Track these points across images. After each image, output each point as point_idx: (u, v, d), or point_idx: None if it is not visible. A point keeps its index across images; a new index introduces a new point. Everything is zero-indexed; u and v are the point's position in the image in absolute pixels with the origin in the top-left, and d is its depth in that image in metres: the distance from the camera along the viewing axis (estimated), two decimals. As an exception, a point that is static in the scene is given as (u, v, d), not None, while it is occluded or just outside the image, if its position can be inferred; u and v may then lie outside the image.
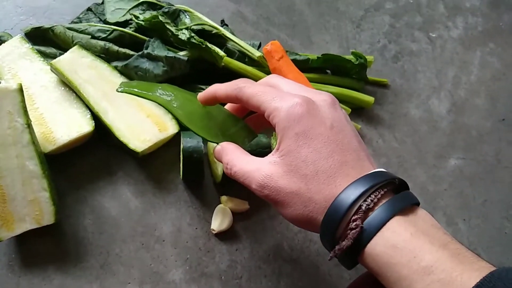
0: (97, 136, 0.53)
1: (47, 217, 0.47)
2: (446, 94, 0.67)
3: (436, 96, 0.66)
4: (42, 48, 0.59)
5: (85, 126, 0.52)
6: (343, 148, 0.35)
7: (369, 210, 0.32)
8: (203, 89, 0.56)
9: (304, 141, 0.34)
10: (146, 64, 0.55)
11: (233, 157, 0.38)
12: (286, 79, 0.40)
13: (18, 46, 0.57)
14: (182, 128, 0.53)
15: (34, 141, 0.46)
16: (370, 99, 0.61)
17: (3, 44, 0.57)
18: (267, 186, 0.35)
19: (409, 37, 0.72)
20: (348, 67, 0.62)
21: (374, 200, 0.32)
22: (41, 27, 0.59)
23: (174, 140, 0.54)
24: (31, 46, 0.57)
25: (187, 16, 0.60)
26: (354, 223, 0.31)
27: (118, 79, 0.55)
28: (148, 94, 0.43)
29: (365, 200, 0.32)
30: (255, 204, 0.52)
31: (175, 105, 0.43)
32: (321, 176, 0.34)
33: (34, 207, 0.46)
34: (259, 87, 0.38)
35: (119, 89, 0.44)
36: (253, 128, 0.43)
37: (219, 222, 0.50)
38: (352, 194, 0.32)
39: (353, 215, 0.32)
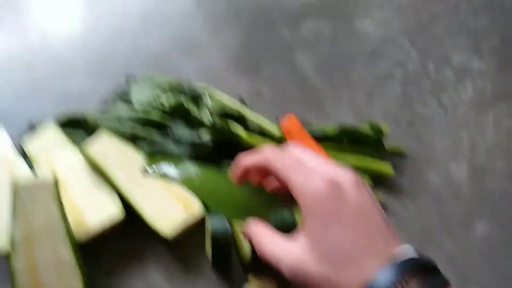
0: (127, 220, 0.54)
1: (80, 306, 0.47)
2: (464, 159, 0.68)
3: (454, 161, 0.67)
4: (74, 134, 0.62)
5: (116, 214, 0.53)
6: (369, 230, 0.35)
7: None
8: (225, 163, 0.59)
9: (330, 224, 0.35)
10: (171, 148, 0.57)
11: (262, 239, 0.39)
12: (309, 152, 0.41)
13: (52, 134, 0.60)
14: (209, 209, 0.54)
15: (68, 231, 0.48)
16: (389, 168, 0.63)
17: (38, 133, 0.60)
18: (297, 272, 0.36)
19: (421, 103, 0.74)
20: (364, 137, 0.64)
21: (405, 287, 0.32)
22: (72, 114, 0.63)
23: (202, 222, 0.55)
24: (63, 133, 0.60)
25: (208, 98, 0.64)
26: None
27: (145, 161, 0.57)
28: (173, 179, 0.44)
29: (395, 287, 0.32)
30: (285, 284, 0.52)
31: (198, 187, 0.44)
32: (349, 260, 0.34)
33: (68, 297, 0.47)
34: (287, 162, 0.39)
35: (145, 174, 0.45)
36: (279, 196, 0.44)
37: (249, 303, 0.50)
38: (382, 283, 0.32)
39: None
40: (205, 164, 0.50)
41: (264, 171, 0.43)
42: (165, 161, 0.47)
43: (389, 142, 0.67)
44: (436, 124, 0.72)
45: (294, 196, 0.37)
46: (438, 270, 0.35)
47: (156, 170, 0.47)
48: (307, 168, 0.38)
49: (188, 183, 0.45)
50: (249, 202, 0.44)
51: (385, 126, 0.65)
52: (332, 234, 0.35)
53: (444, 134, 0.70)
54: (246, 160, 0.42)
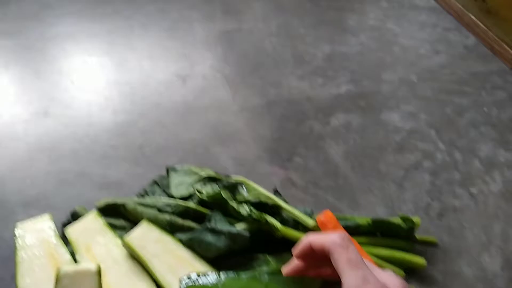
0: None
1: None
2: (497, 250, 0.67)
3: (487, 253, 0.67)
4: (113, 221, 0.64)
5: (152, 302, 0.54)
6: None
7: None
8: (259, 257, 0.60)
9: None
10: (209, 237, 0.59)
11: None
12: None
13: (92, 220, 0.63)
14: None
15: (108, 322, 0.49)
16: (421, 260, 0.62)
17: (79, 220, 0.63)
18: None
19: (451, 194, 0.75)
20: (397, 229, 0.65)
21: None
22: (113, 201, 0.66)
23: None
24: (104, 221, 0.63)
25: (244, 188, 0.66)
26: None
27: (183, 252, 0.59)
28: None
29: None
30: None
31: None
32: None
33: None
34: (351, 255, 0.39)
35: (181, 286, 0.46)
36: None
37: None
38: None
39: None
40: (240, 256, 0.51)
41: (319, 259, 0.43)
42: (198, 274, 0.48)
43: (421, 233, 0.68)
44: (467, 215, 0.72)
45: None
46: None
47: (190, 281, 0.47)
48: (364, 271, 0.38)
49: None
50: None
51: (416, 219, 0.66)
52: None
53: (475, 225, 0.70)
54: (312, 237, 0.42)
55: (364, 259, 0.41)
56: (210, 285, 0.45)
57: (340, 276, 0.39)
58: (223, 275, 0.45)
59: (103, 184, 0.73)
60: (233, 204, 0.61)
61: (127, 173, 0.75)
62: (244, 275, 0.45)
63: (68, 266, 0.51)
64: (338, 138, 0.84)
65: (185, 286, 0.45)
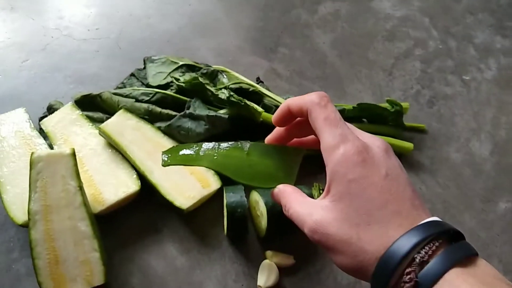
0: (143, 195, 0.54)
1: (98, 278, 0.47)
2: (487, 136, 0.66)
3: (476, 138, 0.65)
4: (91, 114, 0.62)
5: (131, 186, 0.54)
6: (397, 197, 0.34)
7: (423, 262, 0.30)
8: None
9: (357, 189, 0.34)
10: (188, 124, 0.57)
11: (289, 200, 0.38)
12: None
13: (69, 113, 0.61)
14: (225, 183, 0.54)
15: (85, 202, 0.48)
16: (409, 145, 0.61)
17: (55, 112, 0.61)
18: (318, 232, 0.35)
19: (442, 81, 0.72)
20: (384, 115, 0.63)
21: (429, 252, 0.30)
22: (89, 94, 0.63)
23: (216, 196, 0.55)
24: (80, 112, 0.61)
25: (225, 76, 0.63)
26: (408, 276, 0.30)
27: (162, 139, 0.58)
28: (193, 162, 0.44)
29: (419, 252, 0.31)
30: (301, 258, 0.52)
31: (220, 164, 0.43)
32: (373, 226, 0.33)
33: (85, 267, 0.47)
34: (330, 113, 0.37)
35: (163, 164, 0.44)
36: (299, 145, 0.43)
37: (265, 278, 0.50)
38: (404, 246, 0.31)
39: (406, 267, 0.31)
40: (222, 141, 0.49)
41: (300, 127, 0.42)
42: (182, 147, 0.47)
43: (410, 120, 0.66)
44: (458, 102, 0.70)
45: (322, 153, 0.36)
46: (464, 239, 0.33)
47: (174, 159, 0.45)
48: (343, 130, 0.36)
49: (206, 159, 0.44)
50: (268, 174, 0.43)
51: (405, 104, 0.64)
52: (359, 200, 0.34)
53: (466, 112, 0.68)
54: (290, 100, 0.40)
55: (348, 124, 0.39)
56: (191, 155, 0.44)
57: (318, 136, 0.37)
58: (204, 145, 0.44)
59: (78, 78, 0.70)
60: (212, 88, 0.58)
61: (103, 67, 0.72)
62: (224, 144, 0.44)
63: (41, 151, 0.49)
64: (325, 27, 0.80)
65: (166, 158, 0.44)
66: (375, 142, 0.37)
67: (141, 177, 0.54)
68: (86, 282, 0.47)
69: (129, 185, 0.54)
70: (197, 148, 0.44)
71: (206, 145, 0.44)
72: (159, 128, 0.59)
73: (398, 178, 0.35)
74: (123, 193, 0.53)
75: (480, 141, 0.65)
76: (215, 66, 0.65)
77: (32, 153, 0.48)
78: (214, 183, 0.54)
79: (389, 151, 0.37)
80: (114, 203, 0.52)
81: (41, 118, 0.62)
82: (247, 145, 0.43)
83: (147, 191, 0.54)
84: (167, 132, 0.58)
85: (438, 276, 0.30)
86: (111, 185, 0.53)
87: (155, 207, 0.55)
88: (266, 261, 0.51)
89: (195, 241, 0.53)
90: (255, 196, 0.53)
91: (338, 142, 0.35)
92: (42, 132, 0.60)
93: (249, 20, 0.81)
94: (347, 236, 0.33)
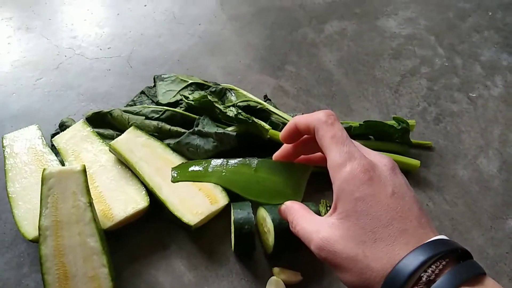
0: (152, 211, 0.55)
1: (106, 293, 0.48)
2: (495, 153, 0.66)
3: (484, 155, 0.65)
4: (101, 131, 0.63)
5: (140, 202, 0.54)
6: (403, 215, 0.34)
7: (430, 281, 0.30)
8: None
9: (364, 207, 0.34)
10: (197, 141, 0.58)
11: (296, 216, 0.39)
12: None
13: (80, 130, 0.62)
14: (232, 199, 0.55)
15: (95, 218, 0.49)
16: (416, 162, 0.61)
17: (67, 129, 0.63)
18: (325, 249, 0.35)
19: (449, 99, 0.73)
20: (390, 132, 0.63)
21: (436, 271, 0.30)
22: (100, 111, 0.64)
23: (224, 212, 0.55)
24: (91, 129, 0.62)
25: (233, 94, 0.64)
26: None
27: (171, 156, 0.58)
28: (202, 178, 0.44)
29: (425, 271, 0.30)
30: (308, 275, 0.52)
31: (228, 180, 0.44)
32: (380, 244, 0.33)
33: (93, 283, 0.48)
34: (336, 131, 0.38)
35: (173, 180, 0.45)
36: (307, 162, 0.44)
37: (272, 294, 0.50)
38: (411, 264, 0.31)
39: (413, 286, 0.31)
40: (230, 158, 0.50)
41: (307, 144, 0.42)
42: (191, 164, 0.47)
43: (416, 138, 0.66)
44: (465, 119, 0.70)
45: (329, 171, 0.37)
46: (472, 258, 0.33)
47: (183, 176, 0.46)
48: (350, 148, 0.37)
49: (215, 175, 0.45)
50: (276, 190, 0.43)
51: (411, 121, 0.64)
52: (365, 218, 0.34)
53: (473, 129, 0.68)
54: (298, 117, 0.41)
55: (355, 142, 0.39)
56: (200, 171, 0.44)
57: (325, 154, 0.37)
58: (212, 161, 0.45)
59: (90, 96, 0.72)
60: (220, 106, 0.59)
61: (114, 85, 0.73)
62: (232, 161, 0.44)
63: (52, 167, 0.50)
64: (332, 46, 0.81)
65: (176, 174, 0.45)
66: (382, 160, 0.37)
67: (150, 193, 0.55)
68: (94, 298, 0.48)
69: (138, 201, 0.54)
70: (205, 165, 0.44)
71: (215, 162, 0.45)
72: (168, 145, 0.60)
73: (405, 196, 0.35)
74: (132, 209, 0.53)
75: (488, 158, 0.65)
76: (223, 84, 0.66)
77: (44, 169, 0.49)
78: (222, 200, 0.55)
79: (395, 169, 0.37)
80: (123, 219, 0.53)
81: (53, 135, 0.64)
82: (254, 161, 0.44)
83: (156, 207, 0.55)
84: (176, 149, 0.59)
85: None
86: (121, 201, 0.54)
87: (163, 223, 0.56)
88: (273, 278, 0.51)
89: (202, 257, 0.54)
90: (262, 212, 0.53)
91: (345, 160, 0.36)
92: (54, 148, 0.62)
93: (257, 39, 0.82)
94: (353, 253, 0.33)
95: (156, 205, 0.54)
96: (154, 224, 0.56)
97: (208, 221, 0.55)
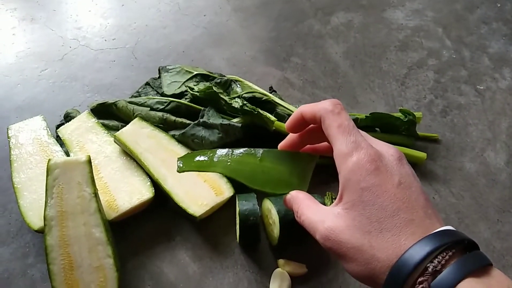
0: (157, 202, 0.55)
1: (111, 284, 0.48)
2: (502, 146, 0.65)
3: (491, 148, 0.65)
4: (106, 122, 0.63)
5: (145, 193, 0.54)
6: (409, 205, 0.34)
7: (436, 271, 0.30)
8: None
9: (370, 197, 0.34)
10: (202, 132, 0.58)
11: (302, 206, 0.39)
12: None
13: (85, 121, 0.62)
14: (238, 191, 0.54)
15: (100, 209, 0.49)
16: (422, 154, 0.61)
17: (72, 120, 0.62)
18: (330, 239, 0.35)
19: (456, 91, 0.72)
20: (397, 124, 0.62)
21: (442, 262, 0.30)
22: (105, 102, 0.64)
23: (229, 204, 0.55)
24: (96, 121, 0.62)
25: (238, 85, 0.64)
26: (421, 285, 0.30)
27: (176, 147, 0.58)
28: (207, 168, 0.44)
29: (432, 261, 0.30)
30: (313, 267, 0.52)
31: (234, 170, 0.44)
32: (386, 234, 0.33)
33: (98, 274, 0.48)
34: (343, 120, 0.37)
35: (179, 169, 0.45)
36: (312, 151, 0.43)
37: (277, 286, 0.49)
38: (417, 254, 0.31)
39: (419, 276, 0.30)
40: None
41: (313, 133, 0.42)
42: (197, 154, 0.47)
43: (423, 130, 0.66)
44: (472, 111, 0.69)
45: (335, 161, 0.36)
46: (479, 249, 0.33)
47: (188, 166, 0.46)
48: (356, 137, 0.36)
49: (220, 165, 0.44)
50: (281, 180, 0.43)
51: (418, 113, 0.64)
52: (371, 208, 0.33)
53: (480, 122, 0.68)
54: (304, 106, 0.41)
55: (361, 131, 0.39)
56: (205, 161, 0.44)
57: (332, 143, 0.37)
58: (218, 151, 0.44)
59: (95, 87, 0.71)
60: (225, 97, 0.59)
61: (119, 76, 0.73)
62: (238, 151, 0.44)
63: (58, 158, 0.50)
64: (338, 37, 0.80)
65: (181, 164, 0.44)
66: (389, 150, 0.37)
67: (155, 184, 0.55)
68: (99, 288, 0.48)
69: (143, 192, 0.54)
70: (211, 155, 0.44)
71: (220, 152, 0.44)
72: (173, 136, 0.59)
73: (411, 186, 0.35)
74: (137, 200, 0.53)
75: (495, 151, 0.64)
76: (228, 76, 0.66)
77: (49, 160, 0.49)
78: (227, 191, 0.55)
79: (402, 159, 0.37)
80: (128, 210, 0.53)
81: (58, 126, 0.63)
82: (260, 151, 0.44)
83: (161, 199, 0.55)
84: (181, 140, 0.59)
85: (451, 286, 0.29)
86: (125, 192, 0.54)
87: (168, 214, 0.56)
88: (278, 270, 0.51)
89: (207, 249, 0.54)
90: (268, 204, 0.53)
91: (351, 149, 0.35)
92: (58, 139, 0.62)
93: (263, 31, 0.82)
94: (359, 243, 0.33)
95: (161, 196, 0.54)
96: (159, 215, 0.56)
97: (213, 213, 0.55)
